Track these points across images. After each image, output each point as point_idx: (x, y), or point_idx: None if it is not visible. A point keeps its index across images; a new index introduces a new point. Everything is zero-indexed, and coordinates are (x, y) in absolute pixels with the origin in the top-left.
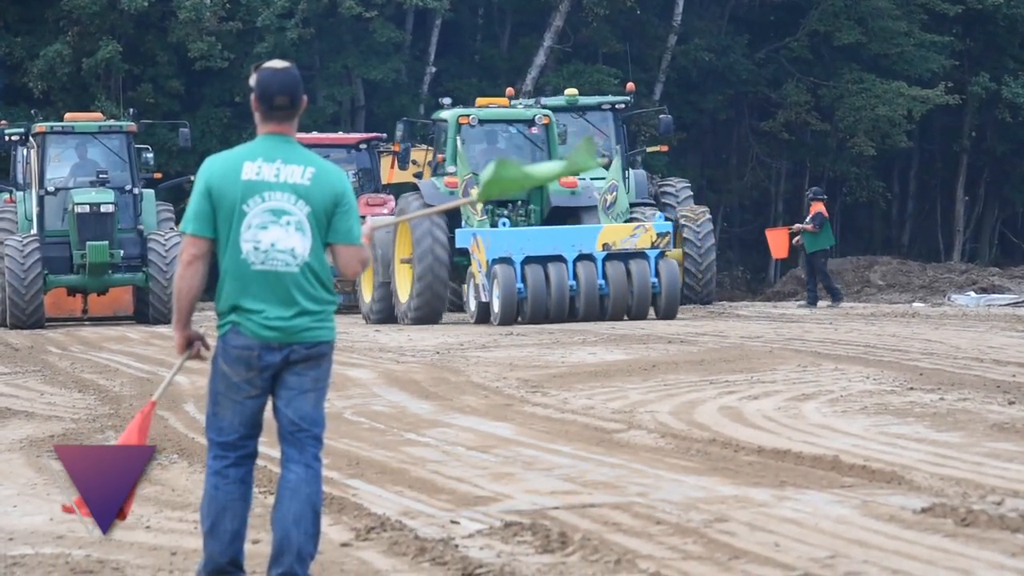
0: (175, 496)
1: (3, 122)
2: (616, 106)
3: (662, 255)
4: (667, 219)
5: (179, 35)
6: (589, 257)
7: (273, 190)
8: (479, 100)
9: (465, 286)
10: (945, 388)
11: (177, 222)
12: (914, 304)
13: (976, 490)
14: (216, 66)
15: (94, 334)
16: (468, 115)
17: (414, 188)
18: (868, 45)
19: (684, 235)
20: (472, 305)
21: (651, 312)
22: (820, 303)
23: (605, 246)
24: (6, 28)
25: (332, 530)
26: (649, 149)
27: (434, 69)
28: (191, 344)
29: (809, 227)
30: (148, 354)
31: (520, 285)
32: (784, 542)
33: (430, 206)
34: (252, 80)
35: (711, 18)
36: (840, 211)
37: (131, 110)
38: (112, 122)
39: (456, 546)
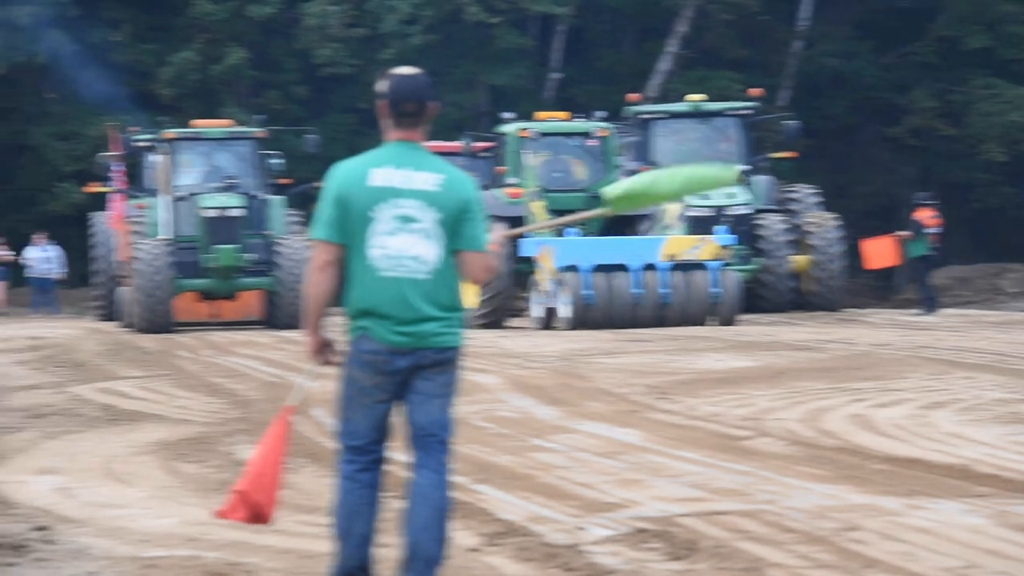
0: (306, 500)
1: (133, 129)
2: (742, 112)
3: (724, 267)
4: (792, 224)
5: (305, 42)
6: (653, 267)
7: (402, 196)
8: (539, 114)
9: (529, 293)
10: None
11: (305, 228)
12: None
13: None
14: (342, 72)
15: (223, 338)
16: (528, 128)
17: None
18: (997, 50)
19: (811, 242)
20: (537, 312)
21: (713, 321)
22: (915, 309)
23: (670, 257)
24: (136, 36)
25: (460, 535)
26: (776, 155)
27: (558, 75)
28: (322, 349)
29: (906, 234)
30: (277, 358)
31: (588, 292)
32: (916, 551)
33: (494, 216)
34: (381, 86)
35: (836, 23)
36: (970, 218)
37: (259, 116)
38: (241, 128)
39: (584, 552)
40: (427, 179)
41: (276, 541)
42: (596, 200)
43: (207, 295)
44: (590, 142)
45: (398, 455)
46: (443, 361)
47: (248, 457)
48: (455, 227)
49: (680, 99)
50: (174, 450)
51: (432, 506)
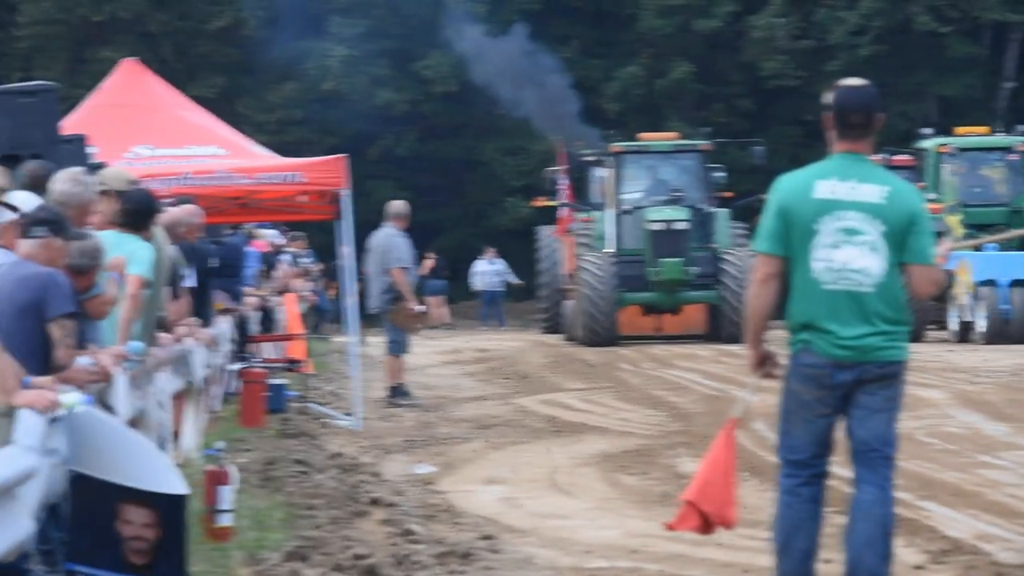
0: (746, 514)
1: (580, 143)
2: None
3: None
4: None
5: (751, 54)
6: None
7: (847, 209)
8: (958, 129)
9: (947, 306)
10: None
11: (750, 240)
12: None
13: None
14: (788, 84)
15: (664, 351)
16: (947, 144)
17: None
18: None
19: None
20: (954, 325)
21: None
22: None
23: None
24: (584, 51)
25: (905, 552)
26: None
27: (1012, 84)
28: (763, 362)
29: None
30: (717, 372)
31: (1007, 306)
32: None
33: None
34: (828, 98)
35: None
36: None
37: (705, 129)
38: (686, 141)
39: None
40: (873, 191)
41: (717, 555)
42: (1017, 215)
43: (651, 309)
44: (1011, 156)
45: (839, 470)
46: (887, 375)
47: (694, 469)
48: (901, 240)
49: None
50: (616, 462)
51: (875, 522)
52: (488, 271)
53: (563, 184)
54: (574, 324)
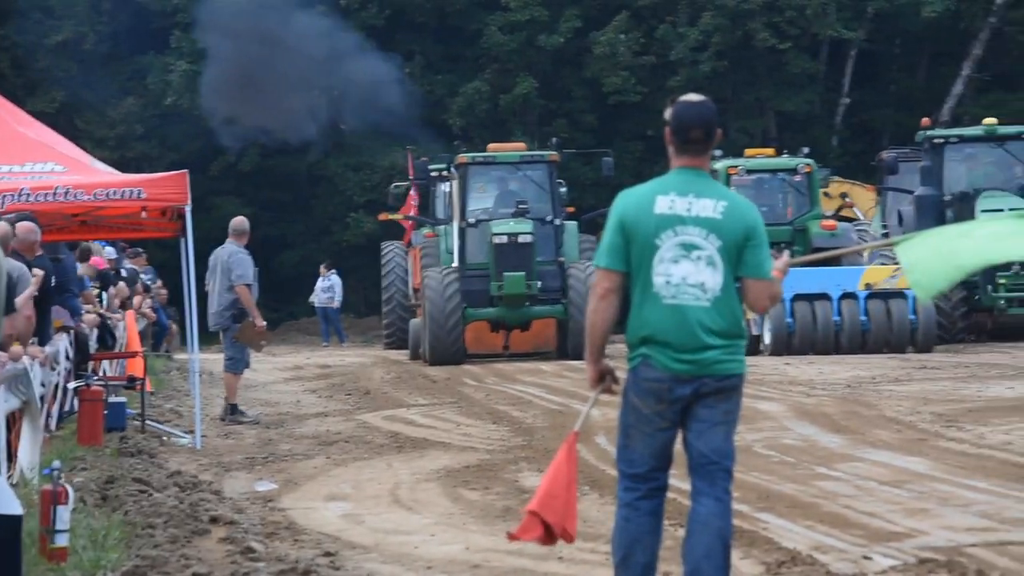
0: (586, 527)
1: (425, 158)
2: None
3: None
4: None
5: (594, 70)
6: (852, 295)
7: (685, 224)
8: (748, 151)
9: None
10: None
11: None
12: None
13: None
14: (630, 100)
15: (509, 366)
16: (736, 165)
17: None
18: None
19: None
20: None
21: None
22: None
23: (867, 286)
24: (428, 67)
25: (743, 564)
26: None
27: (848, 100)
28: (603, 377)
29: None
30: (560, 386)
31: (789, 320)
32: None
33: None
34: (667, 113)
35: None
36: None
37: (554, 140)
38: (534, 152)
39: None
40: (709, 206)
41: (559, 569)
42: (800, 233)
43: (498, 325)
44: (796, 177)
45: (678, 483)
46: (725, 388)
47: (536, 484)
48: (738, 254)
49: (976, 123)
50: (458, 477)
51: (713, 534)
52: (317, 288)
53: (411, 196)
54: (420, 341)
